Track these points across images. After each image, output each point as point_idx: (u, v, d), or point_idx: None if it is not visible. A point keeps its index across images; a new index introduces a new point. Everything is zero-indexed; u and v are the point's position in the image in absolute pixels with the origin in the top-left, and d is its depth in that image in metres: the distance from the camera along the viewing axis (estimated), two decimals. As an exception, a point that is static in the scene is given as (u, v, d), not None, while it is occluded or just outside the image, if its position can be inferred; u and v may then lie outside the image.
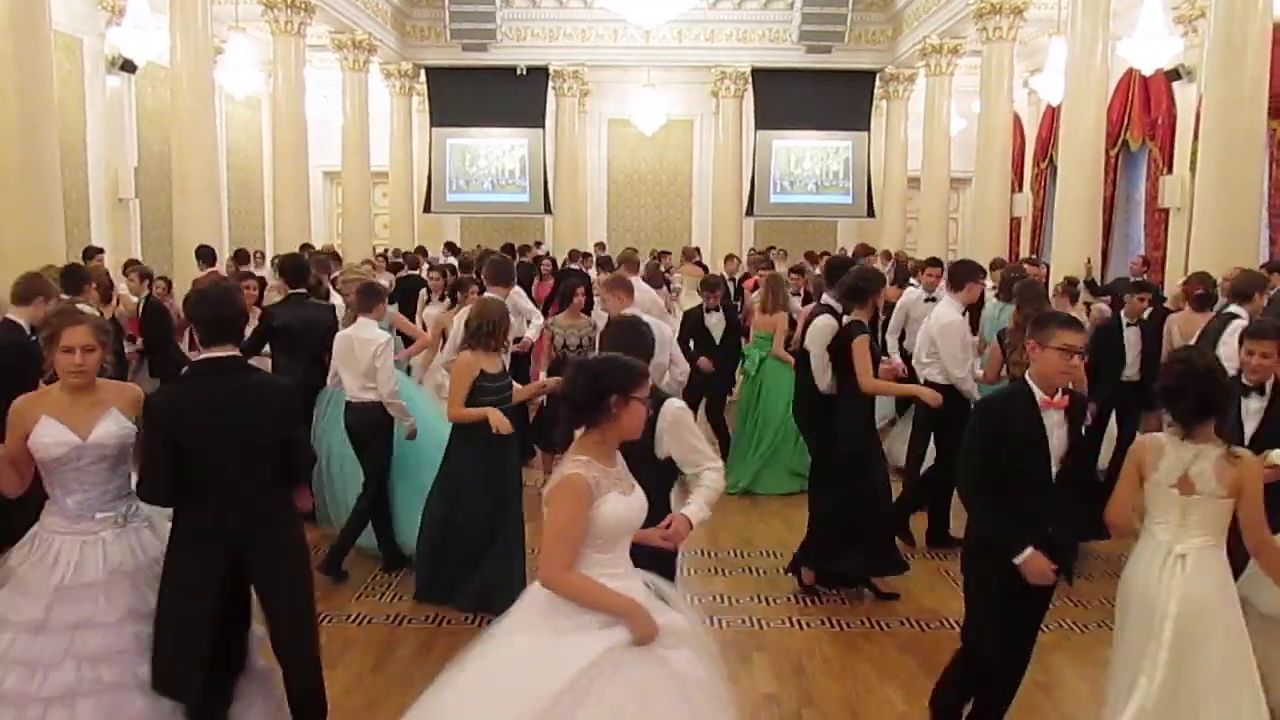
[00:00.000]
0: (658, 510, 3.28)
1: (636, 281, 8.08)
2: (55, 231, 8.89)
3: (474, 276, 7.99)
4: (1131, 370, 7.10)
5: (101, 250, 10.17)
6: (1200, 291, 7.09)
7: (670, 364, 5.91)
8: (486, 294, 6.34)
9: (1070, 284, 8.86)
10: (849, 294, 5.50)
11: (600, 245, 15.61)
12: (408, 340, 7.38)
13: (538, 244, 16.58)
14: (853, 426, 5.49)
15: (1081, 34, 10.82)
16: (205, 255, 10.09)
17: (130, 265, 8.85)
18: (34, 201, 8.75)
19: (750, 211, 18.71)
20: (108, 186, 12.82)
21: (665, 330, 6.05)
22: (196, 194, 11.78)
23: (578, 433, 2.93)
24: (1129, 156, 14.53)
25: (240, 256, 11.38)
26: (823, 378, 5.54)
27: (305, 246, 11.65)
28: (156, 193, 13.43)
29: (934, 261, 8.60)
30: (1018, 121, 16.81)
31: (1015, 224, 17.26)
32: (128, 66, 13.07)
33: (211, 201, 12.15)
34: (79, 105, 12.14)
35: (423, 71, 18.64)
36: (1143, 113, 13.76)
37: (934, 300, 7.52)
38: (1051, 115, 15.87)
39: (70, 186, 10.76)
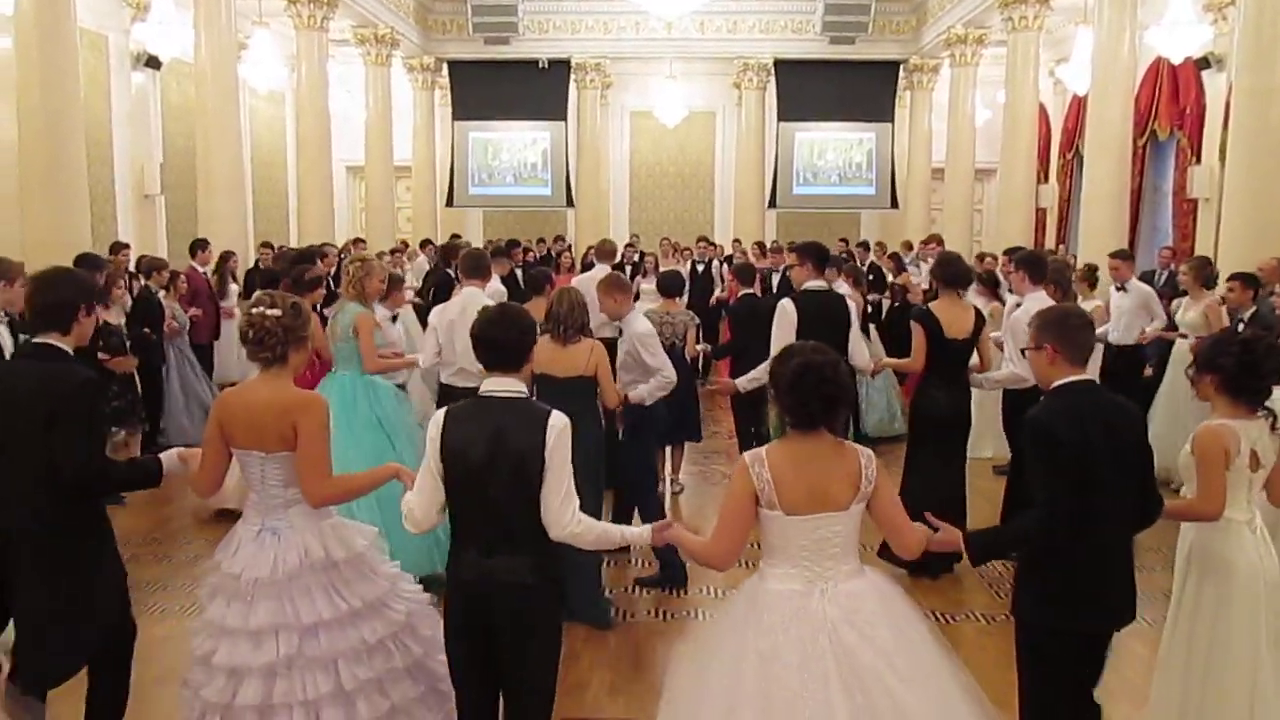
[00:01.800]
0: None
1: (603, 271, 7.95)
2: (81, 227, 8.98)
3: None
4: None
5: (127, 246, 10.23)
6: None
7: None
8: (465, 288, 6.16)
9: (1090, 271, 8.84)
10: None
11: (631, 245, 15.42)
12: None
13: (559, 239, 16.58)
14: None
15: (1108, 22, 10.71)
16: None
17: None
18: (60, 197, 8.84)
19: (773, 204, 18.64)
20: (134, 182, 12.91)
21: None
22: (221, 189, 11.89)
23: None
24: (1156, 147, 14.36)
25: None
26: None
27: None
28: (182, 188, 13.51)
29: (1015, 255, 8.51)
30: (1043, 112, 16.67)
31: (1040, 215, 17.11)
32: (153, 63, 13.15)
33: (236, 196, 12.24)
34: (104, 102, 12.22)
35: (445, 65, 18.66)
36: (1171, 102, 13.59)
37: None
38: (1078, 105, 15.70)
39: (96, 182, 10.84)
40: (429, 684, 3.39)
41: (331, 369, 5.87)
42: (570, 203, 18.85)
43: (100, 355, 7.00)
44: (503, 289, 8.48)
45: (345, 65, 16.98)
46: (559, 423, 3.03)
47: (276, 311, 3.28)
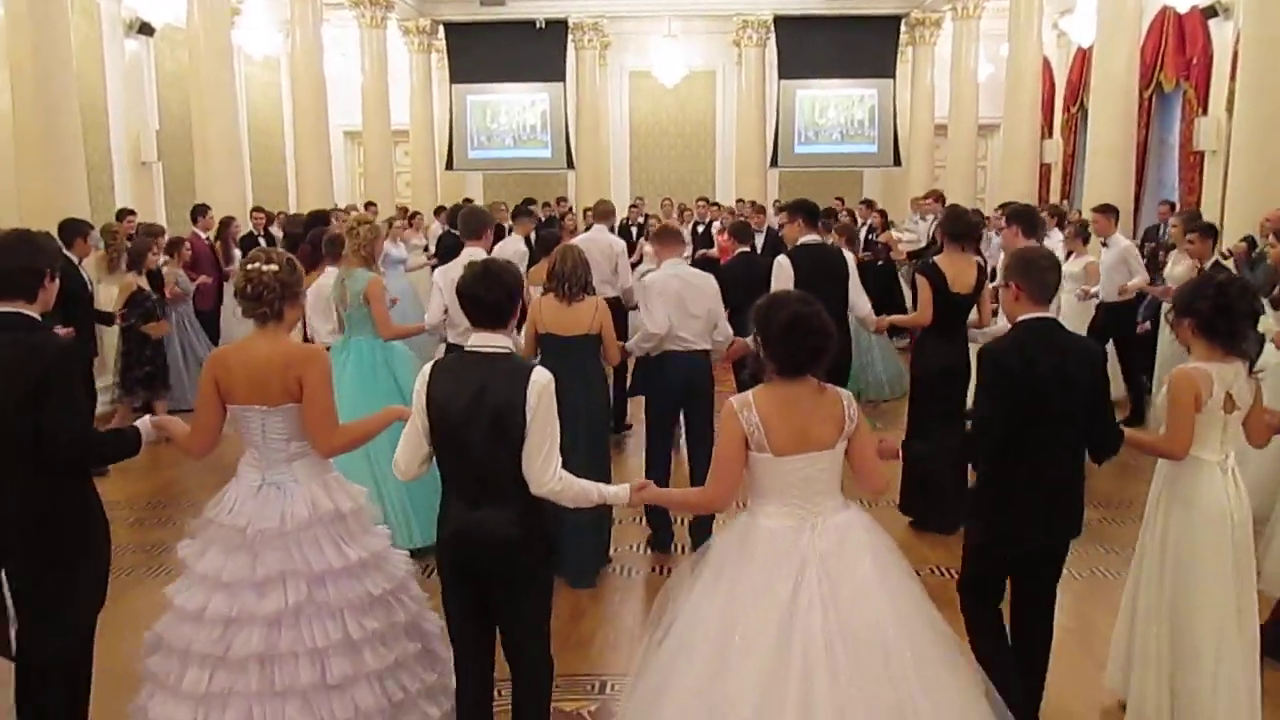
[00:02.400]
0: None
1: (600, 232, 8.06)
2: (78, 195, 8.89)
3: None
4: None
5: (132, 212, 10.21)
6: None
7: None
8: (467, 248, 6.14)
9: (1082, 226, 8.80)
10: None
11: (635, 206, 15.35)
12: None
13: (561, 200, 16.47)
14: None
15: (1113, -30, 10.54)
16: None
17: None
18: (56, 165, 8.75)
19: (774, 163, 18.49)
20: (130, 150, 12.79)
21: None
22: (218, 155, 11.81)
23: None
24: (1162, 99, 14.18)
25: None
26: None
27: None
28: (178, 155, 13.40)
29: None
30: (1047, 66, 16.47)
31: (1045, 171, 16.97)
32: (145, 29, 12.98)
33: (234, 163, 12.15)
34: (98, 70, 12.07)
35: (441, 28, 18.45)
36: (1177, 53, 13.39)
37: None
38: (1082, 58, 15.51)
39: (93, 150, 10.74)
40: (423, 643, 3.44)
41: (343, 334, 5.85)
42: (570, 164, 18.71)
43: (135, 321, 7.16)
44: (524, 250, 8.42)
45: (340, 29, 16.77)
46: (541, 379, 3.08)
47: (273, 267, 3.31)
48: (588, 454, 5.03)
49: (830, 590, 2.87)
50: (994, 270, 7.35)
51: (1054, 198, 16.85)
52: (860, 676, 2.78)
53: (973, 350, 6.16)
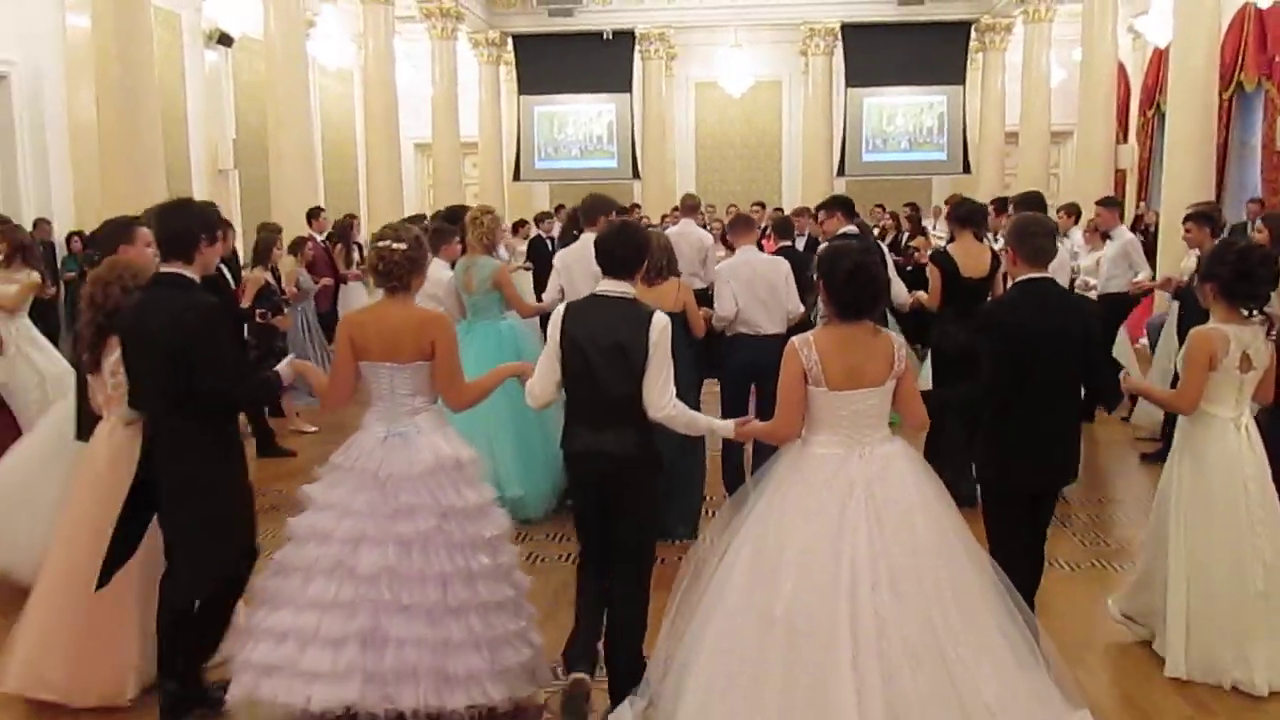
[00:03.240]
0: None
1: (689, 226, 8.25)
2: (158, 199, 9.12)
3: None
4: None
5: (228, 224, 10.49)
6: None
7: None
8: (586, 233, 6.33)
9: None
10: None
11: (704, 214, 15.37)
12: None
13: (635, 206, 16.45)
14: None
15: (1191, -35, 10.30)
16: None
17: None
18: (137, 171, 9.03)
19: (841, 171, 18.37)
20: (208, 157, 13.18)
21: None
22: (292, 164, 12.05)
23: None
24: (1243, 99, 13.78)
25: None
26: None
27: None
28: (254, 163, 13.75)
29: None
30: (1122, 71, 16.12)
31: (1120, 176, 16.59)
32: (225, 40, 13.38)
33: (307, 171, 12.40)
34: (179, 79, 12.48)
35: (510, 39, 18.69)
36: (1258, 51, 13.02)
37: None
38: (1158, 60, 15.17)
39: (172, 157, 11.07)
40: (517, 591, 3.77)
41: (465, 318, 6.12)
42: (636, 175, 18.79)
43: (259, 315, 7.44)
44: None
45: (411, 43, 17.10)
46: (661, 321, 3.59)
47: (402, 246, 3.68)
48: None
49: (874, 511, 3.15)
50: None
51: (1129, 203, 16.48)
52: (898, 588, 3.05)
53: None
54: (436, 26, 16.40)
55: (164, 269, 3.68)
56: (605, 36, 18.04)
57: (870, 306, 3.32)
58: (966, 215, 6.27)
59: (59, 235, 10.96)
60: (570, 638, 3.82)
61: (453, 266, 6.36)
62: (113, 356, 3.93)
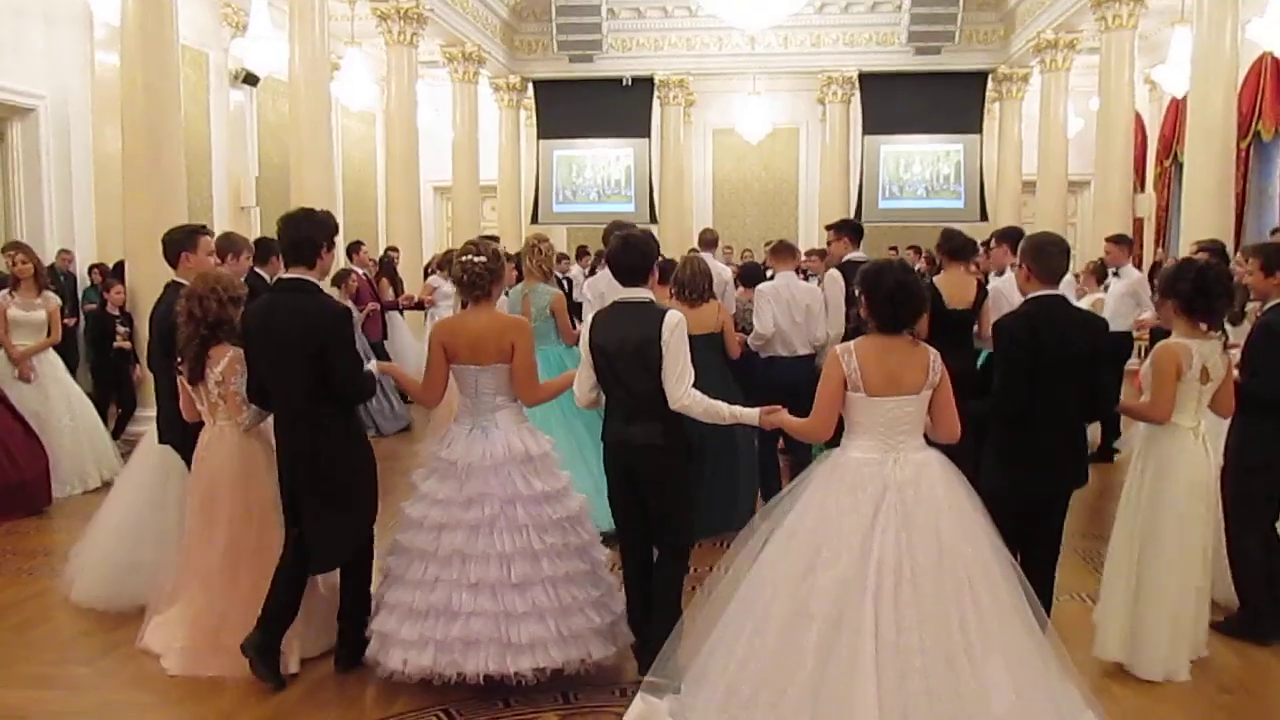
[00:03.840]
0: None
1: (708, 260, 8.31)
2: (178, 221, 9.22)
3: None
4: None
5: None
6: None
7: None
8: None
9: (1099, 265, 9.13)
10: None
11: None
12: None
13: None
14: None
15: (1208, 14, 10.36)
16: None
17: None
18: (159, 204, 9.06)
19: (858, 217, 18.38)
20: (230, 194, 13.32)
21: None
22: (314, 202, 11.97)
23: None
24: (1261, 148, 13.82)
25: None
26: None
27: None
28: (276, 202, 13.86)
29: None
30: (1139, 121, 16.18)
31: (1138, 225, 16.57)
32: (250, 80, 13.58)
33: (327, 204, 12.40)
34: (204, 117, 12.66)
35: (530, 84, 18.92)
36: (1276, 100, 13.08)
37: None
38: (1175, 109, 15.23)
39: (195, 193, 11.20)
40: (591, 566, 4.18)
41: None
42: (654, 219, 18.85)
43: None
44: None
45: (433, 86, 17.33)
46: (673, 319, 3.95)
47: (483, 259, 4.15)
48: (713, 434, 5.81)
49: (905, 515, 3.30)
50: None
51: (1147, 253, 16.45)
52: (919, 587, 3.20)
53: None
54: (459, 70, 16.63)
55: (289, 274, 4.09)
56: (625, 83, 18.24)
57: (910, 321, 3.52)
58: (958, 248, 6.43)
59: (80, 267, 11.07)
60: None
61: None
62: (218, 367, 4.35)
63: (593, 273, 11.31)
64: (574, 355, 6.56)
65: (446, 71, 16.78)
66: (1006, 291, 6.37)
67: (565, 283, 11.97)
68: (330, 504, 4.09)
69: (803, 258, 9.10)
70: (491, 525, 4.02)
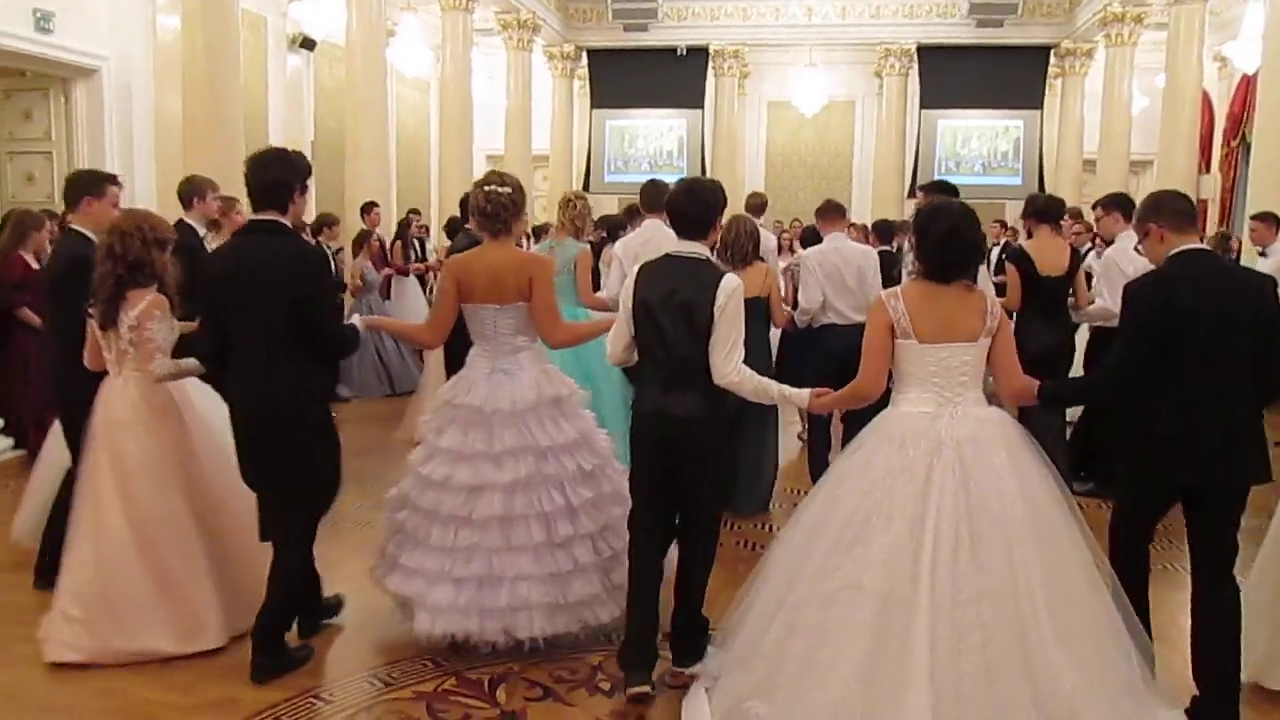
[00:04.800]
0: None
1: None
2: (237, 193, 9.35)
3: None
4: None
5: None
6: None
7: None
8: (647, 220, 6.37)
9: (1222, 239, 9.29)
10: None
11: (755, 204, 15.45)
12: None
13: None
14: None
15: (1284, -12, 10.04)
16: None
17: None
18: (219, 166, 9.11)
19: (912, 194, 18.13)
20: (286, 159, 13.45)
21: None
22: (368, 168, 12.33)
23: None
24: (1334, 129, 13.35)
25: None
26: None
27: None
28: (331, 167, 13.98)
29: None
30: (1206, 99, 15.74)
31: (1202, 207, 16.16)
32: (307, 44, 13.66)
33: (381, 174, 12.62)
34: (261, 81, 12.76)
35: (584, 54, 18.85)
36: (1352, 80, 12.61)
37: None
38: (1246, 87, 14.78)
39: (252, 156, 11.33)
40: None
41: None
42: (705, 191, 18.76)
43: None
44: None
45: (488, 55, 17.31)
46: (731, 284, 3.53)
47: (507, 189, 3.87)
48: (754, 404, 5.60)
49: (963, 477, 3.01)
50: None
51: (1210, 231, 16.05)
52: (980, 558, 2.93)
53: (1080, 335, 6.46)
54: (513, 38, 16.60)
55: (259, 217, 3.73)
56: (680, 53, 18.09)
57: (963, 270, 3.22)
58: (1044, 208, 6.13)
59: (141, 228, 11.23)
60: (625, 639, 3.70)
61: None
62: (134, 311, 3.92)
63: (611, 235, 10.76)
64: (586, 318, 6.50)
65: (501, 39, 16.76)
66: (1120, 261, 5.96)
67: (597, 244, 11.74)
68: (286, 470, 3.72)
69: (851, 219, 8.72)
70: (529, 484, 3.80)
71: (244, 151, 9.75)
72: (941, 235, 3.17)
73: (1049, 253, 5.92)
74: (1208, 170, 16.57)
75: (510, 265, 3.84)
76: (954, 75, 17.42)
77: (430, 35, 15.91)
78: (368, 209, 11.30)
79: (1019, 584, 2.92)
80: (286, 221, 3.75)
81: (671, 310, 3.52)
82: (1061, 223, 6.59)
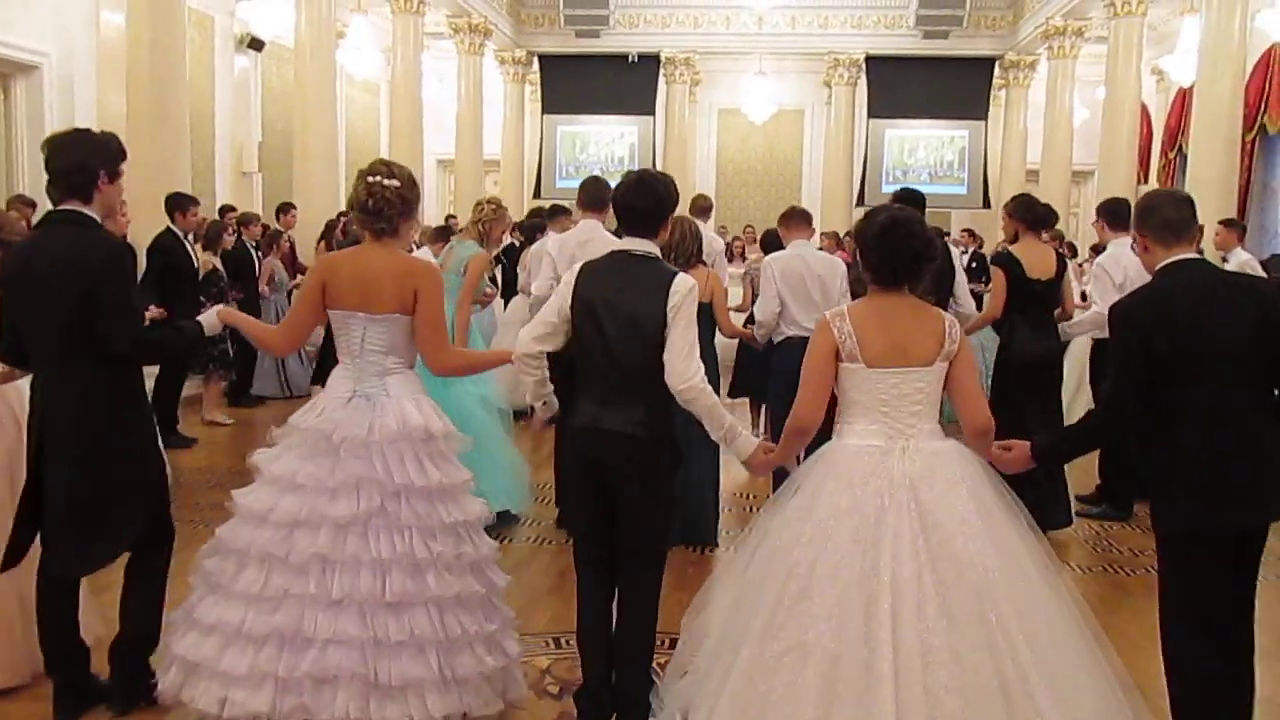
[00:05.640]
0: None
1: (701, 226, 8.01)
2: (183, 187, 9.23)
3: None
4: None
5: (233, 208, 10.63)
6: None
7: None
8: (584, 220, 6.19)
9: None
10: None
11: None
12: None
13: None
14: None
15: (1218, 1, 10.33)
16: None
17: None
18: (163, 167, 9.07)
19: (860, 201, 18.38)
20: (233, 160, 13.30)
21: None
22: (316, 170, 12.20)
23: None
24: (1266, 141, 13.78)
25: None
26: None
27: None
28: (278, 168, 13.87)
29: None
30: (1145, 112, 16.15)
31: (1140, 216, 16.52)
32: (255, 45, 13.53)
33: (330, 176, 12.52)
34: (208, 81, 12.62)
35: (536, 59, 18.85)
36: (1283, 93, 13.05)
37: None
38: (1182, 101, 15.19)
39: (198, 157, 11.18)
40: (489, 589, 3.27)
41: None
42: (656, 197, 18.84)
43: (202, 299, 7.34)
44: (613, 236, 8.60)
45: (439, 59, 17.25)
46: (685, 283, 3.15)
47: (395, 182, 3.26)
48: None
49: (920, 520, 2.66)
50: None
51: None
52: (951, 612, 2.57)
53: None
54: (464, 42, 16.56)
55: (61, 207, 3.28)
56: (631, 59, 18.18)
57: (909, 268, 2.87)
58: (1040, 217, 5.81)
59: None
60: (580, 687, 3.37)
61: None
62: None
63: (527, 235, 10.21)
64: (483, 326, 6.28)
65: (452, 43, 16.71)
66: (1111, 270, 5.69)
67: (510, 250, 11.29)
68: (92, 492, 3.21)
69: (816, 227, 8.41)
70: (366, 523, 3.09)
71: (189, 152, 9.73)
72: (880, 229, 2.88)
73: (1036, 257, 5.64)
74: (1146, 180, 16.97)
75: (391, 271, 3.23)
76: (901, 85, 17.71)
77: (381, 38, 15.83)
78: (284, 210, 11.06)
79: (997, 641, 2.55)
80: (89, 211, 3.27)
81: (618, 312, 3.12)
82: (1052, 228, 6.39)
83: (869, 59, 17.94)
